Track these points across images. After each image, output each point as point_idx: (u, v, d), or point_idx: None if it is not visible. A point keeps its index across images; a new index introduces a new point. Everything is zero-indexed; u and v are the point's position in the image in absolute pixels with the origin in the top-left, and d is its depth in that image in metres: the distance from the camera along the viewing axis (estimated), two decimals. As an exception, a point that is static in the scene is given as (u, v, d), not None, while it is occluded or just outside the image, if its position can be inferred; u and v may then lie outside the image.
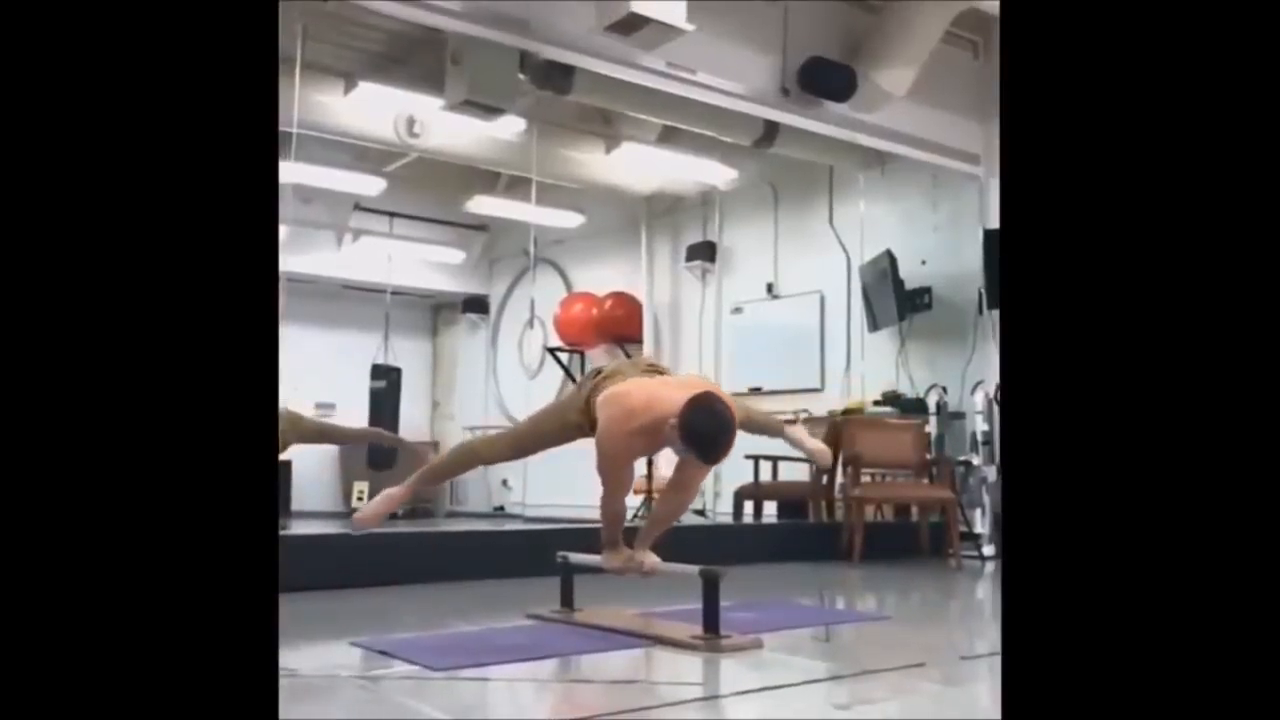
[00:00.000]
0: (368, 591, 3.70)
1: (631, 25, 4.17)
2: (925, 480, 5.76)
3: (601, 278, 9.36)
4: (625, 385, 2.79)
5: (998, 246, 5.29)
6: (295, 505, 8.98)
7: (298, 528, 6.54)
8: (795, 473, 6.53)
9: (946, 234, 6.90)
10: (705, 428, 2.59)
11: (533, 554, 3.70)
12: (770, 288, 8.09)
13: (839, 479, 5.94)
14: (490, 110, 5.43)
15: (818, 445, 3.43)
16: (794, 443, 3.31)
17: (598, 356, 8.75)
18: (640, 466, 4.80)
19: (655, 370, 3.00)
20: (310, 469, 9.48)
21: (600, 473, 2.78)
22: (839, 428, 5.88)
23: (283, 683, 2.06)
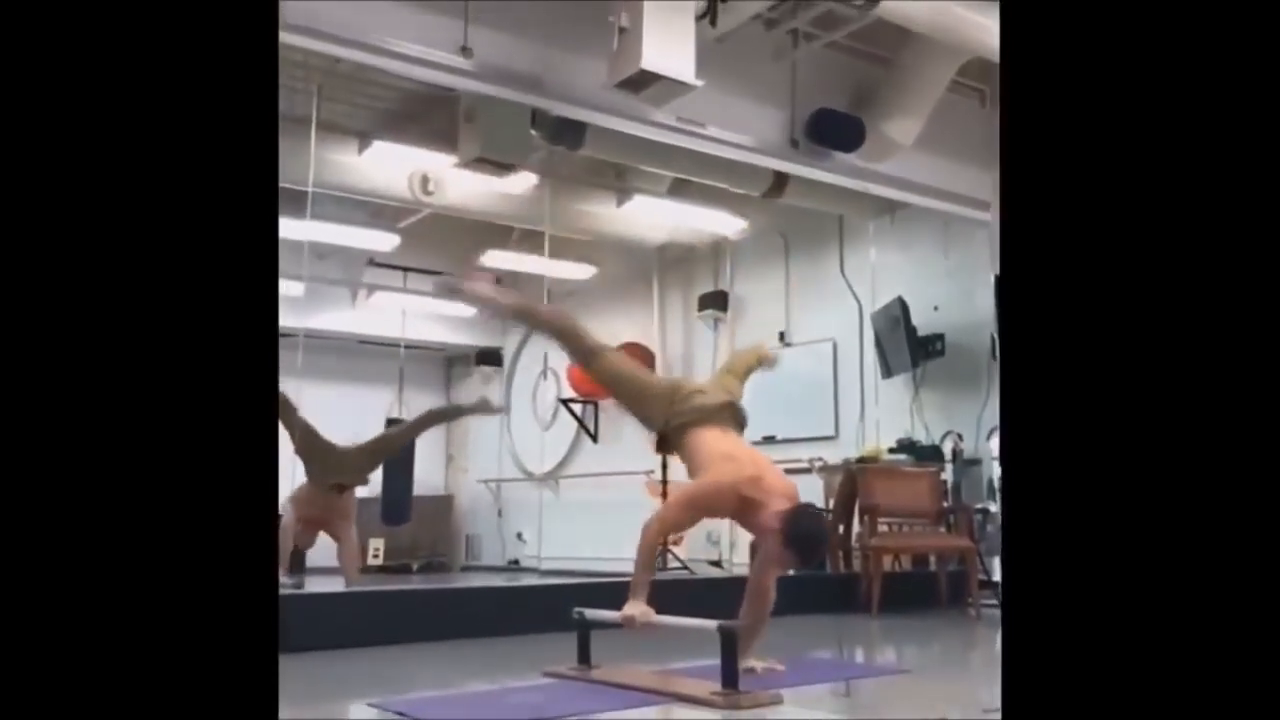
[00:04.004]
0: (383, 650, 3.67)
1: (641, 82, 4.21)
2: (943, 528, 5.71)
3: (614, 328, 9.38)
4: (735, 448, 3.09)
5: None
6: (310, 562, 8.92)
7: (313, 585, 6.50)
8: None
9: (958, 280, 6.91)
10: (809, 536, 2.83)
11: (548, 609, 3.67)
12: (783, 336, 8.10)
13: (855, 528, 5.90)
14: (503, 167, 5.50)
15: None
16: None
17: (611, 408, 8.74)
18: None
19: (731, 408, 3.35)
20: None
21: (679, 504, 2.99)
22: (854, 476, 5.85)
23: (299, 746, 2.04)
